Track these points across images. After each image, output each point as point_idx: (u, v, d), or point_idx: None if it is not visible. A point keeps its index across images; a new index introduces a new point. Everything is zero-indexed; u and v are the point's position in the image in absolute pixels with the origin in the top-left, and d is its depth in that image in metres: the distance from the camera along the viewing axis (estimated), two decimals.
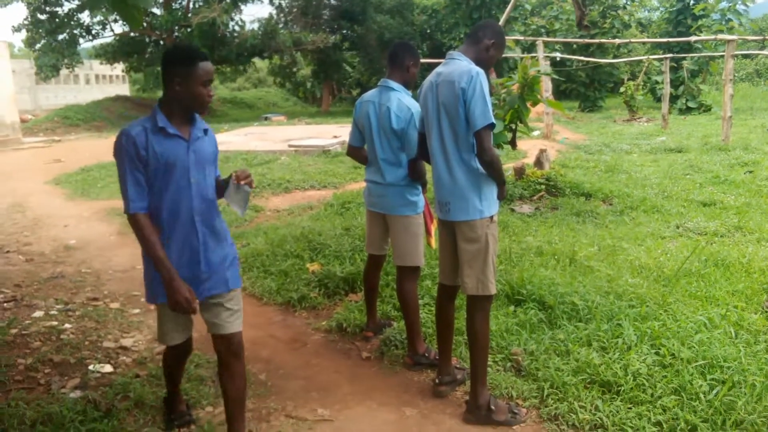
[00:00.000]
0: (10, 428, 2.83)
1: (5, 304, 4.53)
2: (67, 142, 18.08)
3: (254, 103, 35.04)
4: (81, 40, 24.29)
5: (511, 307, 4.03)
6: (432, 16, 27.54)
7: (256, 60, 30.85)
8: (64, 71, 24.80)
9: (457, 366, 3.39)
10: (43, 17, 22.97)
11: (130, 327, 4.18)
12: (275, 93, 39.12)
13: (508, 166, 8.36)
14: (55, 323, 4.13)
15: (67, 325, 4.11)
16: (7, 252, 6.17)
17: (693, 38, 16.84)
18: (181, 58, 2.39)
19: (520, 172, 7.86)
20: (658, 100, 21.83)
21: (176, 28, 23.63)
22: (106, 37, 25.60)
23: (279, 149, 12.74)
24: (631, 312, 3.77)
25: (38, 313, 4.33)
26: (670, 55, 17.95)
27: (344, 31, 29.61)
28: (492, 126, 2.80)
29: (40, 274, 5.35)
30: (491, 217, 2.92)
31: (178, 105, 2.43)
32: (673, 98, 20.90)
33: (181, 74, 2.37)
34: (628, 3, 25.97)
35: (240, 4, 24.98)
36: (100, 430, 2.81)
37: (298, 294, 4.56)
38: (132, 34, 25.12)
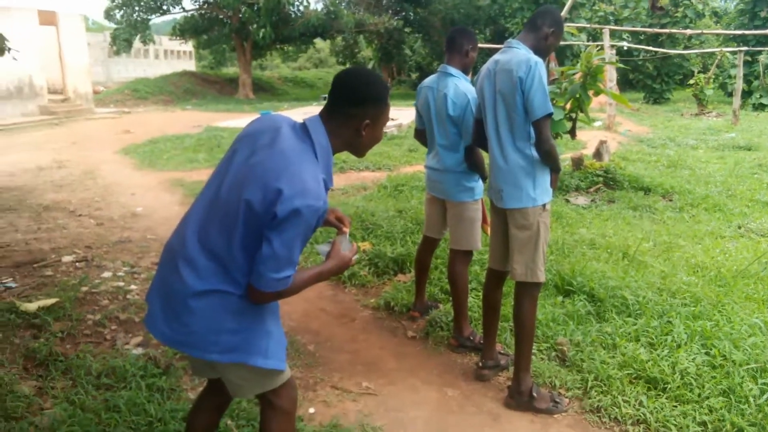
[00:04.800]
0: (77, 377, 3.06)
1: (77, 264, 4.83)
2: (136, 114, 18.83)
3: (314, 82, 35.43)
4: (153, 16, 25.09)
5: (560, 298, 4.02)
6: (495, 1, 27.05)
7: (318, 40, 31.12)
8: (136, 45, 25.71)
9: (501, 352, 3.43)
10: None
11: None
12: (335, 74, 39.40)
13: (566, 156, 8.23)
14: (121, 284, 4.39)
15: (132, 287, 4.36)
16: (80, 215, 6.54)
17: None
18: (378, 95, 1.84)
19: (578, 162, 7.73)
20: (730, 95, 20.89)
21: (242, 7, 24.06)
22: (176, 14, 26.36)
23: None
24: (684, 310, 3.71)
25: (107, 274, 4.61)
26: (745, 48, 17.09)
27: (407, 14, 29.47)
28: (550, 115, 2.80)
29: (109, 238, 5.66)
30: (544, 206, 2.93)
31: (346, 146, 1.89)
32: (746, 94, 19.95)
33: (373, 116, 1.84)
34: None
35: None
36: (158, 385, 2.99)
37: (349, 271, 4.67)
38: (203, 11, 25.74)
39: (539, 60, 2.81)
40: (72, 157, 10.44)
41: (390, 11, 28.68)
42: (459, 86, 3.42)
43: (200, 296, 1.78)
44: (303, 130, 1.83)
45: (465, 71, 3.53)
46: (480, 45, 3.80)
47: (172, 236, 1.93)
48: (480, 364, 3.31)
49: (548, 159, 2.88)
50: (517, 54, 2.86)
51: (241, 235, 1.75)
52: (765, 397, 2.83)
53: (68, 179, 8.55)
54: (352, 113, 1.82)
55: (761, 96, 20.44)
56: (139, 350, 3.41)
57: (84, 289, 4.20)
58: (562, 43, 19.44)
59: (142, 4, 24.15)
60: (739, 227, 6.01)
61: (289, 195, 1.66)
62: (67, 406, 2.81)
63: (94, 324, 3.71)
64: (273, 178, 1.70)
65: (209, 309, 1.79)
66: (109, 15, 24.51)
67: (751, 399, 2.82)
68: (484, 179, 3.57)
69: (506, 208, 2.97)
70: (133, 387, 2.95)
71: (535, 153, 2.88)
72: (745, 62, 17.67)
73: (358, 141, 1.87)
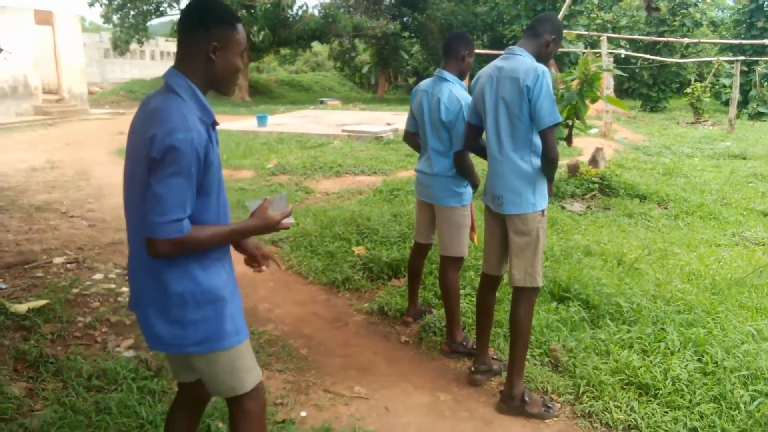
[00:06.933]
0: (68, 379, 3.04)
1: (68, 265, 4.80)
2: (131, 115, 18.63)
3: (311, 86, 35.44)
4: (151, 18, 25.09)
5: (554, 304, 4.02)
6: (494, 8, 27.15)
7: (315, 44, 31.15)
8: (132, 46, 25.71)
9: (494, 357, 3.42)
10: None
11: None
12: (332, 77, 39.43)
13: (562, 163, 8.24)
14: (113, 286, 4.37)
15: (124, 289, 4.34)
16: (72, 216, 6.51)
17: None
18: (223, 17, 1.80)
19: (573, 169, 7.74)
20: (725, 104, 21.01)
21: (240, 8, 24.06)
22: (174, 15, 26.35)
23: (332, 133, 12.89)
24: (677, 318, 3.72)
25: (98, 276, 4.58)
26: (742, 57, 17.19)
27: (405, 19, 29.54)
28: (558, 124, 2.81)
29: (101, 239, 5.64)
30: (542, 211, 2.95)
31: (205, 80, 1.83)
32: (742, 103, 20.06)
33: (221, 38, 1.79)
34: (701, 1, 24.95)
35: None
36: (150, 388, 2.98)
37: (343, 275, 4.67)
38: None
39: (546, 69, 2.83)
40: (65, 157, 10.40)
41: (388, 16, 28.73)
42: (453, 91, 3.42)
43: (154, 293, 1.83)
44: (164, 85, 1.84)
45: (461, 77, 3.53)
46: (477, 51, 3.82)
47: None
48: (473, 369, 3.31)
49: (552, 167, 2.91)
50: (523, 62, 2.87)
51: None
52: (755, 403, 2.84)
53: (61, 180, 8.51)
54: (197, 37, 1.78)
55: (757, 105, 20.57)
56: (131, 353, 3.39)
57: (75, 290, 4.18)
58: (560, 50, 19.50)
59: (139, 5, 24.14)
60: (734, 235, 6.03)
61: (161, 136, 1.67)
62: (57, 407, 2.79)
63: (85, 326, 3.69)
64: (146, 131, 1.72)
65: (171, 306, 1.82)
66: (106, 17, 24.49)
67: (741, 405, 2.83)
68: (474, 185, 3.57)
69: (506, 214, 2.96)
70: (124, 389, 2.94)
71: (534, 160, 2.90)
72: (741, 72, 17.75)
73: (213, 69, 1.81)
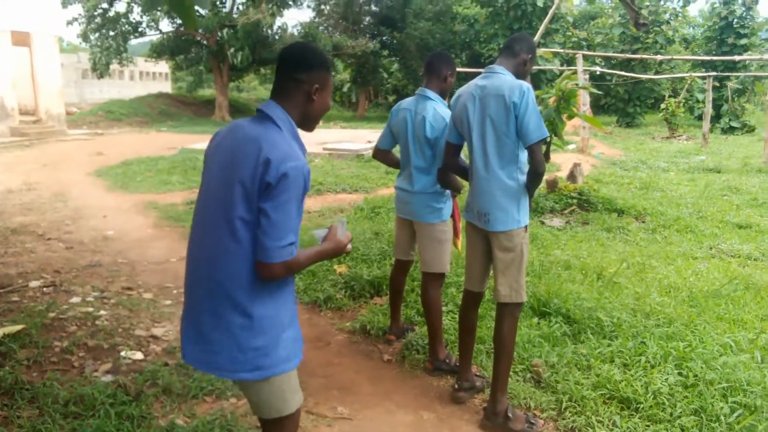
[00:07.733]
0: (44, 406, 2.97)
1: (45, 289, 4.72)
2: (110, 135, 18.63)
3: None
4: (130, 38, 25.00)
5: (535, 319, 4.04)
6: (471, 26, 27.53)
7: None
8: (111, 66, 25.58)
9: (477, 374, 3.42)
10: (96, 13, 23.69)
11: (161, 317, 4.32)
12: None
13: None
14: (90, 309, 4.29)
15: (102, 312, 4.27)
16: (49, 239, 6.41)
17: (738, 57, 16.48)
18: (324, 61, 1.97)
19: (552, 185, 7.82)
20: (698, 118, 21.45)
21: (219, 28, 24.11)
22: (152, 36, 26.31)
23: (313, 152, 12.90)
24: (657, 331, 3.75)
25: (75, 299, 4.51)
26: (714, 73, 17.61)
27: (384, 38, 29.81)
28: (544, 139, 2.85)
29: (79, 262, 5.55)
30: (525, 227, 2.98)
31: (301, 116, 1.97)
32: (715, 118, 20.51)
33: (321, 80, 1.95)
34: (672, 18, 25.54)
35: (282, 9, 25.38)
36: (129, 413, 2.92)
37: (325, 294, 4.64)
38: (179, 33, 25.73)
39: (529, 85, 2.89)
40: (42, 179, 10.27)
41: (367, 35, 28.98)
42: (437, 110, 3.46)
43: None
44: (259, 114, 1.94)
45: (442, 95, 3.57)
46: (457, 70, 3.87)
47: (191, 266, 1.98)
48: (456, 386, 3.30)
49: (539, 182, 2.96)
50: (505, 80, 2.91)
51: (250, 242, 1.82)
52: (735, 415, 2.86)
53: (38, 202, 8.39)
54: (302, 78, 1.92)
55: (730, 120, 21.04)
56: (109, 377, 3.32)
57: (51, 315, 4.10)
58: (536, 67, 19.87)
59: (118, 26, 24.06)
60: (710, 248, 6.12)
61: (276, 162, 1.77)
62: None
63: (62, 351, 3.61)
64: (255, 155, 1.80)
65: (241, 330, 1.88)
66: (85, 37, 24.35)
67: (722, 418, 2.85)
68: (459, 190, 3.57)
69: (493, 231, 2.97)
70: (102, 415, 2.88)
71: (521, 177, 2.93)
72: (714, 87, 18.16)
73: (311, 107, 1.96)
